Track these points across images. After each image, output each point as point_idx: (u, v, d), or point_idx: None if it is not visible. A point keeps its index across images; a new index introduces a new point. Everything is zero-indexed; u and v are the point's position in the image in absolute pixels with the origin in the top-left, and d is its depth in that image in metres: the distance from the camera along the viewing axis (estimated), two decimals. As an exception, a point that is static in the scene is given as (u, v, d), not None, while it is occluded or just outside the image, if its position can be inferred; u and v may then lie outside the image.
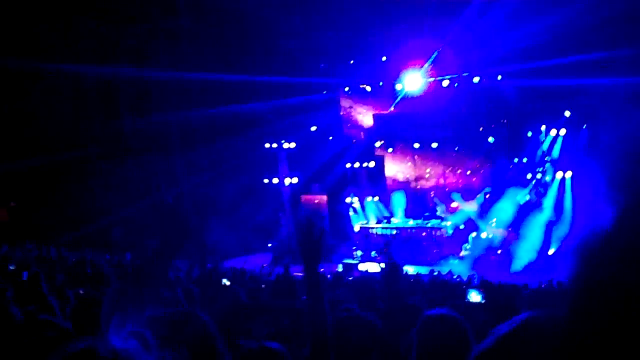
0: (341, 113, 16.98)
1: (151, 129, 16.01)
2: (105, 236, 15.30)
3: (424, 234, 15.84)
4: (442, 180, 16.67)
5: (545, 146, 15.93)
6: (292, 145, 16.63)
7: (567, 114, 15.64)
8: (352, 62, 16.24)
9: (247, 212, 16.29)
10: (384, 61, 15.94)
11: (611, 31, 13.49)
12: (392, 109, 16.42)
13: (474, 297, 6.03)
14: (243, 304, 4.17)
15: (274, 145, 16.64)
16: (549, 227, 15.71)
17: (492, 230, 16.04)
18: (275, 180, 16.85)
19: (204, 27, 16.25)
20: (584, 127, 15.78)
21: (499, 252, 15.77)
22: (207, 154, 16.33)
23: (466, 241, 16.01)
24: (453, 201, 16.40)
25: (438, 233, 15.78)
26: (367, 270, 14.06)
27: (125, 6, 15.68)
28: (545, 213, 15.96)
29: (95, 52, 15.71)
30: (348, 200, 16.72)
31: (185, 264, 12.06)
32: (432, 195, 16.53)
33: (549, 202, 16.02)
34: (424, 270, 12.78)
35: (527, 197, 15.94)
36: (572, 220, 15.48)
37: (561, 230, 15.56)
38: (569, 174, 15.69)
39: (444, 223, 15.90)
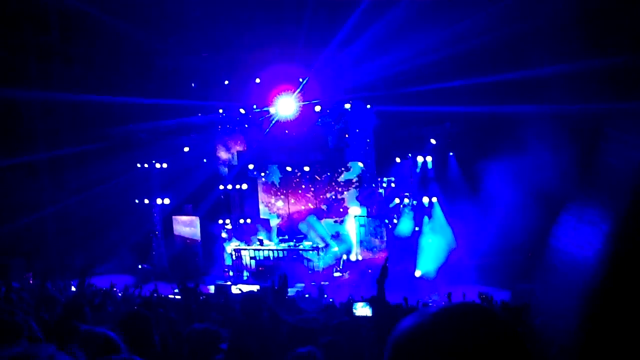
0: (215, 135, 16.98)
1: (17, 148, 15.54)
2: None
3: (295, 256, 15.96)
4: (314, 203, 16.86)
5: (412, 172, 16.38)
6: (164, 165, 16.49)
7: (433, 141, 16.19)
8: (226, 82, 16.31)
9: (119, 233, 16.01)
10: (258, 83, 16.08)
11: (472, 61, 14.16)
12: (266, 131, 16.56)
13: (361, 310, 5.88)
14: None
15: (146, 165, 16.45)
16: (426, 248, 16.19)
17: (372, 251, 16.40)
18: (147, 201, 16.64)
19: (75, 45, 15.98)
20: (450, 154, 16.36)
21: (369, 271, 16.08)
22: (78, 175, 15.94)
23: (337, 264, 16.24)
24: (324, 224, 16.65)
25: (310, 255, 15.92)
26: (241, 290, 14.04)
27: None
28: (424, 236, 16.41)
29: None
30: (220, 222, 16.67)
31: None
32: (304, 218, 16.71)
33: (420, 225, 16.46)
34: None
35: (395, 221, 16.33)
36: (452, 243, 15.93)
37: (438, 251, 16.04)
38: (435, 199, 16.18)
39: (315, 245, 16.07)
